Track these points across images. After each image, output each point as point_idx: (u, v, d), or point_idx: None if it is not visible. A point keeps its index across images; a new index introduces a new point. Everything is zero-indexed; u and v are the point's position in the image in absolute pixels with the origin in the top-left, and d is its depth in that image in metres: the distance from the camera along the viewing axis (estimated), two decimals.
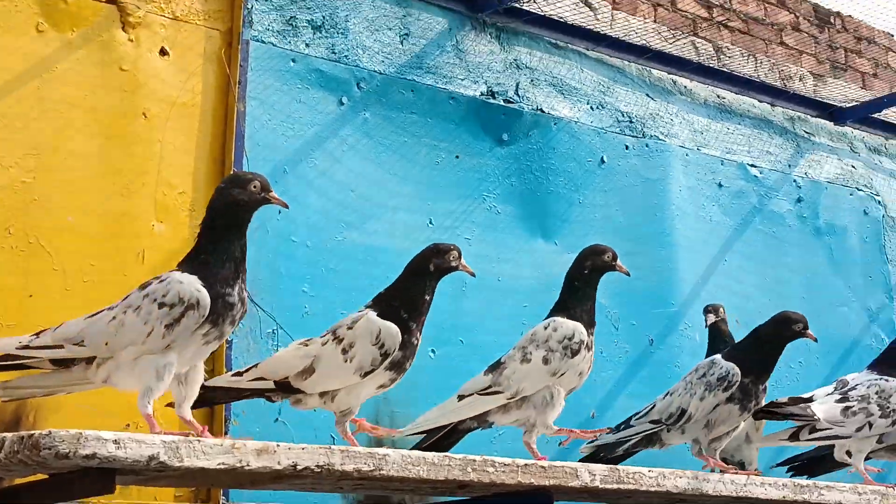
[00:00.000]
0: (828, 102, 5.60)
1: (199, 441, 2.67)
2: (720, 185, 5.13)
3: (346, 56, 4.13)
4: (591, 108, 4.76)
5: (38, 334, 2.75)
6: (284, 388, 3.10)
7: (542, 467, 3.25)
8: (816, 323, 5.23)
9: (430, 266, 3.20)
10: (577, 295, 3.47)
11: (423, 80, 4.31)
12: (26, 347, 2.74)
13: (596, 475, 3.36)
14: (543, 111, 4.59)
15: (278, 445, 2.79)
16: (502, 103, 4.48)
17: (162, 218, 3.59)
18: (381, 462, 2.95)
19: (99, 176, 3.56)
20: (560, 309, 3.46)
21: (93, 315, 2.74)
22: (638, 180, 4.84)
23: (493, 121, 4.45)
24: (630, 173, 4.83)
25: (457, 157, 4.34)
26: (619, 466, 3.43)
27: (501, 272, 4.34)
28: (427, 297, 3.15)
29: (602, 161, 4.75)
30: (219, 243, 2.74)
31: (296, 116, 3.95)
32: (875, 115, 5.70)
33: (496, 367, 3.43)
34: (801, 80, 5.63)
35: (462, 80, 4.40)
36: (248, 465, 2.74)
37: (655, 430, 3.84)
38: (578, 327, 3.38)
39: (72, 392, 3.01)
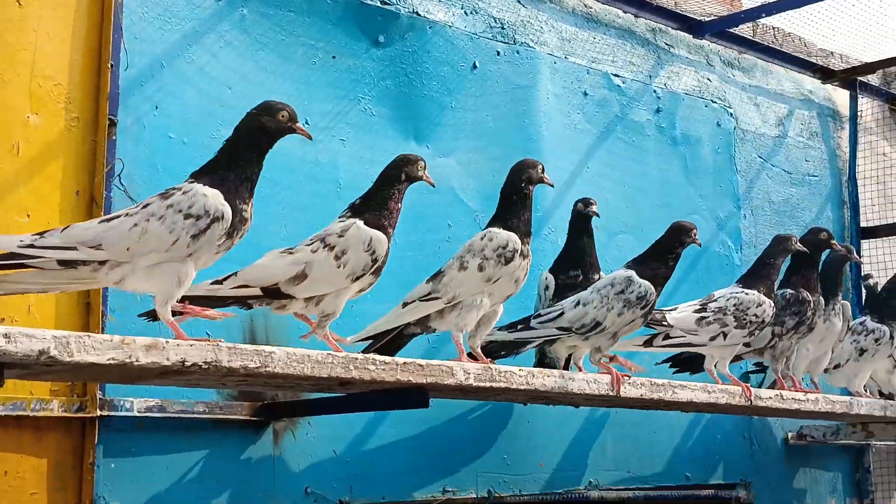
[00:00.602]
0: (688, 15, 5.74)
1: (88, 336, 2.68)
2: (585, 94, 5.25)
3: None
4: (465, 12, 4.80)
5: (41, 234, 2.82)
6: (273, 293, 3.24)
7: (420, 365, 3.36)
8: None
9: (402, 174, 3.40)
10: (513, 207, 3.67)
11: None
12: (31, 246, 2.80)
13: (470, 374, 3.49)
14: (419, 14, 4.61)
15: (167, 342, 2.82)
16: (379, 4, 4.47)
17: (37, 109, 3.50)
18: (268, 359, 3.01)
19: None
20: (497, 220, 3.68)
21: (107, 220, 2.86)
22: (508, 86, 4.91)
23: (369, 22, 4.44)
24: (501, 79, 4.89)
25: (333, 57, 4.33)
26: (491, 365, 3.56)
27: (375, 173, 4.35)
28: (399, 205, 3.37)
29: (474, 66, 4.80)
30: (239, 162, 2.92)
31: (173, 10, 3.88)
32: (732, 30, 5.88)
33: (437, 275, 3.63)
34: None
35: None
36: (137, 361, 2.77)
37: (561, 336, 4.01)
38: (512, 236, 3.60)
39: (68, 290, 3.17)
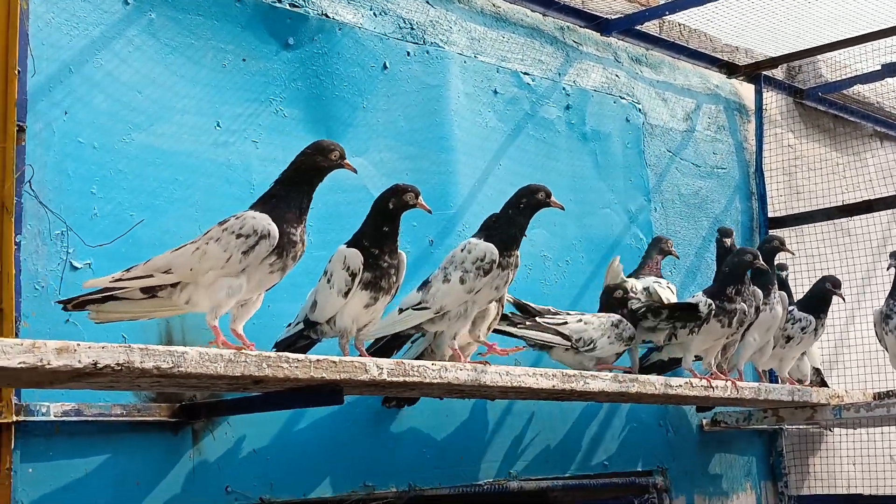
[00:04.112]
0: (595, 14, 5.85)
1: None
2: (496, 92, 5.33)
3: None
4: (374, 14, 4.86)
5: (128, 269, 3.29)
6: (308, 323, 3.78)
7: (333, 362, 3.42)
8: (582, 225, 5.60)
9: (390, 205, 3.71)
10: (501, 222, 3.99)
11: None
12: (119, 280, 3.28)
13: (384, 369, 3.55)
14: (328, 16, 4.65)
15: (78, 345, 2.86)
16: (288, 7, 4.52)
17: None
18: (180, 359, 3.05)
19: None
20: (482, 230, 4.02)
21: (177, 248, 3.29)
22: (419, 86, 4.98)
23: (279, 25, 4.48)
24: (411, 79, 4.96)
25: (243, 60, 4.36)
26: (404, 360, 3.64)
27: None
28: (386, 229, 3.69)
29: (385, 67, 4.86)
30: (290, 193, 3.34)
31: (80, 15, 3.88)
32: (639, 28, 6.00)
33: (425, 284, 3.97)
34: None
35: None
36: (48, 364, 2.80)
37: (560, 344, 4.56)
38: (490, 248, 3.88)
39: (154, 317, 3.63)
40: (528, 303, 4.63)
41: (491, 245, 3.89)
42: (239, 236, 3.24)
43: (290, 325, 3.93)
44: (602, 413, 5.49)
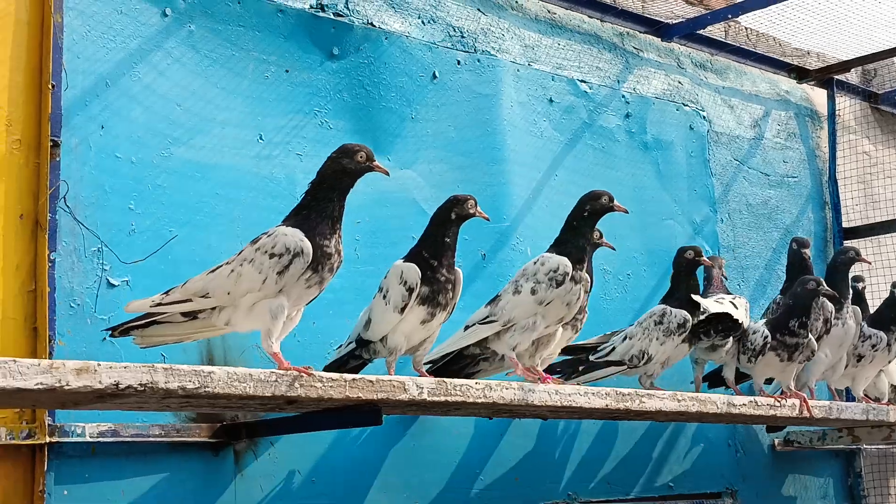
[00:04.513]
0: (655, 18, 5.68)
1: (14, 361, 2.62)
2: (551, 101, 5.18)
3: None
4: (423, 22, 4.74)
5: (167, 293, 3.21)
6: (360, 342, 3.66)
7: (370, 381, 3.30)
8: (645, 235, 5.43)
9: (452, 214, 3.62)
10: (570, 234, 3.89)
11: None
12: (159, 305, 3.21)
13: (424, 388, 3.42)
14: (374, 25, 4.55)
15: (99, 365, 2.76)
16: (332, 17, 4.42)
17: None
18: (207, 379, 2.95)
19: None
20: (553, 246, 3.90)
21: (213, 270, 3.20)
22: (470, 95, 4.84)
23: (322, 34, 4.38)
24: (462, 88, 4.83)
25: (286, 71, 4.26)
26: (445, 379, 3.50)
27: None
28: (448, 240, 3.59)
29: (434, 76, 4.74)
30: (321, 202, 3.21)
31: (117, 28, 3.81)
32: (703, 32, 5.81)
33: (494, 299, 3.87)
34: None
35: None
36: (67, 385, 2.71)
37: (618, 370, 4.43)
38: (563, 261, 3.79)
39: (198, 338, 3.57)
40: (575, 343, 4.51)
41: (564, 258, 3.82)
42: (272, 256, 3.13)
43: (340, 346, 3.82)
44: (667, 432, 5.29)
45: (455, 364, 4.04)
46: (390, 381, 3.34)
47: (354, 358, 3.77)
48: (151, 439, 3.66)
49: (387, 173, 3.37)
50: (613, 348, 4.44)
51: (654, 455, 5.23)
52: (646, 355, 4.37)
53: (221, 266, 3.23)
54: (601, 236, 4.24)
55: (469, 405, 3.61)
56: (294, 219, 3.23)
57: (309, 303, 3.34)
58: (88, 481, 3.54)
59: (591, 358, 4.46)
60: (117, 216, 3.72)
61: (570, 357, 4.57)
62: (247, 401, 3.16)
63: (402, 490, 4.29)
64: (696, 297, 4.44)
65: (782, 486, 5.83)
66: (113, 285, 3.67)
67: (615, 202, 3.96)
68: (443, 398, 3.47)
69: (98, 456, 3.57)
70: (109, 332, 3.33)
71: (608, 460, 5.03)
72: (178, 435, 3.73)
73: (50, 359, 3.41)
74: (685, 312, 4.37)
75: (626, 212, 4.07)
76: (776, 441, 5.78)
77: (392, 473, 4.27)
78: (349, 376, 3.25)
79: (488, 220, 3.82)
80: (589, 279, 3.95)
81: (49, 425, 3.43)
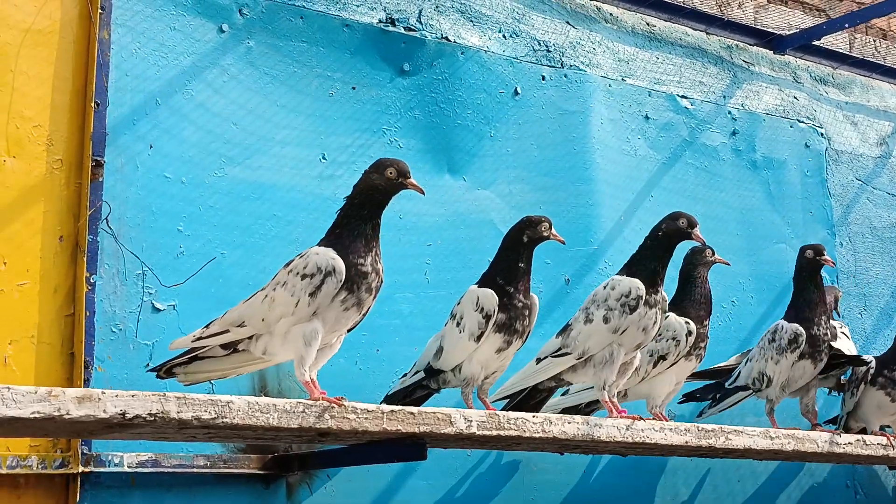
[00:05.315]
0: (767, 30, 5.34)
1: (8, 389, 2.49)
2: (647, 118, 4.89)
3: None
4: (504, 36, 4.52)
5: (207, 325, 3.08)
6: (430, 372, 3.47)
7: (411, 413, 3.08)
8: (753, 260, 5.08)
9: (524, 237, 3.43)
10: (642, 255, 3.62)
11: (314, 6, 4.06)
12: (199, 339, 3.07)
13: (472, 421, 3.19)
14: (449, 40, 4.35)
15: (104, 393, 2.61)
16: (403, 31, 4.24)
17: (15, 152, 3.36)
18: (225, 409, 2.77)
19: None
20: (624, 268, 3.64)
21: (248, 298, 3.05)
22: (555, 112, 4.60)
23: (392, 50, 4.20)
24: (547, 105, 4.58)
25: (353, 88, 4.10)
26: (498, 412, 3.26)
27: (403, 209, 4.11)
28: (522, 265, 3.41)
29: (516, 92, 4.51)
30: (353, 220, 3.03)
31: (170, 45, 3.71)
32: (817, 44, 5.44)
33: (565, 329, 3.63)
34: (739, 6, 5.37)
35: (357, 6, 4.15)
36: (68, 414, 2.56)
37: (748, 395, 4.18)
38: (635, 283, 3.53)
39: (242, 372, 3.36)
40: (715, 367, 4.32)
41: (636, 280, 3.54)
42: (304, 277, 2.95)
43: (405, 375, 3.61)
44: (776, 468, 4.90)
45: (532, 398, 3.79)
46: (434, 413, 3.12)
47: (422, 388, 3.57)
48: (196, 470, 3.52)
49: (421, 191, 3.12)
50: (740, 373, 4.20)
51: (758, 494, 4.86)
52: (765, 377, 4.08)
53: (257, 293, 3.07)
54: (713, 253, 3.94)
55: (527, 440, 3.36)
56: (327, 239, 3.06)
57: (351, 329, 3.14)
58: None
59: (727, 385, 4.23)
60: (165, 238, 3.60)
61: (711, 382, 4.38)
62: (273, 432, 2.98)
63: None
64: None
65: None
66: (158, 310, 3.55)
67: (695, 230, 3.65)
68: (495, 432, 3.22)
69: (138, 487, 3.44)
70: (154, 373, 3.19)
71: (707, 499, 4.68)
72: (226, 466, 3.58)
73: (86, 386, 3.31)
74: (796, 326, 4.03)
75: (703, 242, 3.78)
76: None
77: None
78: (387, 408, 3.04)
79: (563, 243, 3.56)
80: (667, 300, 3.64)
81: (84, 454, 3.31)
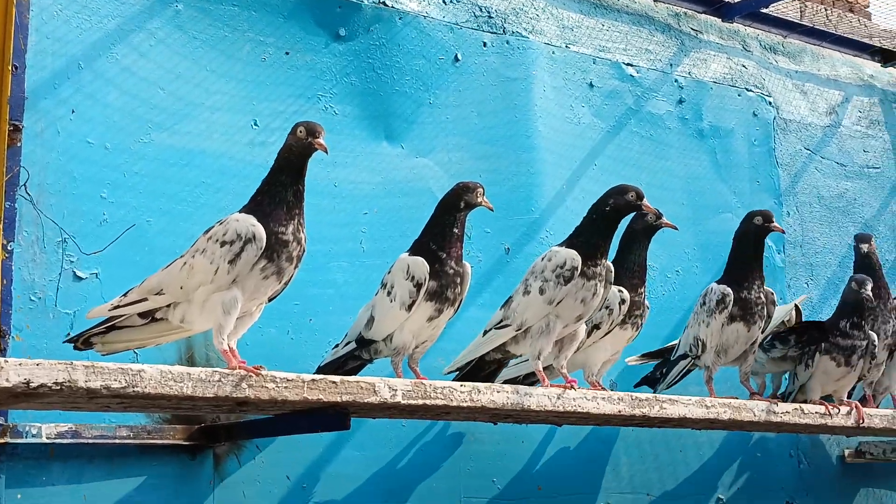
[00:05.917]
0: None
1: None
2: (591, 86, 4.83)
3: None
4: (444, 1, 4.44)
5: (125, 294, 3.02)
6: (361, 342, 3.43)
7: (333, 382, 3.03)
8: (699, 229, 5.04)
9: (461, 203, 3.39)
10: (586, 227, 3.56)
11: None
12: (117, 307, 3.02)
13: (398, 390, 3.14)
14: (386, 4, 4.27)
15: (6, 361, 2.55)
16: None
17: None
18: (136, 378, 2.71)
19: None
20: (566, 240, 3.58)
21: (167, 266, 2.99)
22: (497, 80, 4.53)
23: (327, 14, 4.12)
24: (488, 72, 4.52)
25: (286, 53, 4.02)
26: (424, 381, 3.21)
27: (338, 177, 4.06)
28: (456, 231, 3.36)
29: (456, 59, 4.44)
30: (274, 186, 2.97)
31: (93, 7, 3.62)
32: (766, 12, 5.38)
33: (508, 301, 3.60)
34: None
35: None
36: None
37: (693, 366, 4.10)
38: (571, 254, 3.48)
39: (162, 342, 3.25)
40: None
41: (572, 251, 3.49)
42: (223, 244, 2.89)
43: (337, 345, 3.56)
44: (718, 439, 4.88)
45: (481, 371, 3.75)
46: (357, 382, 3.07)
47: (353, 359, 3.52)
48: (118, 441, 3.45)
49: (325, 150, 3.00)
50: (680, 342, 4.15)
51: (703, 464, 4.84)
52: (699, 342, 4.00)
53: (176, 260, 3.01)
54: (660, 216, 3.85)
55: (455, 409, 3.31)
56: (248, 206, 3.00)
57: (273, 299, 3.09)
58: (46, 485, 3.35)
59: (671, 358, 4.18)
60: (87, 205, 3.52)
61: (661, 360, 4.36)
62: (189, 402, 2.92)
63: (405, 498, 4.01)
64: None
65: (852, 501, 5.35)
66: (80, 278, 3.48)
67: (644, 201, 3.58)
68: (421, 401, 3.18)
69: (57, 458, 3.37)
70: (72, 344, 3.11)
71: (648, 468, 4.66)
72: (150, 437, 3.52)
73: (3, 356, 3.23)
74: (724, 286, 3.94)
75: (658, 213, 3.76)
76: (847, 452, 5.31)
77: (393, 479, 3.99)
78: (307, 377, 2.98)
79: (492, 210, 3.50)
80: (612, 270, 3.58)
81: (0, 425, 3.24)
